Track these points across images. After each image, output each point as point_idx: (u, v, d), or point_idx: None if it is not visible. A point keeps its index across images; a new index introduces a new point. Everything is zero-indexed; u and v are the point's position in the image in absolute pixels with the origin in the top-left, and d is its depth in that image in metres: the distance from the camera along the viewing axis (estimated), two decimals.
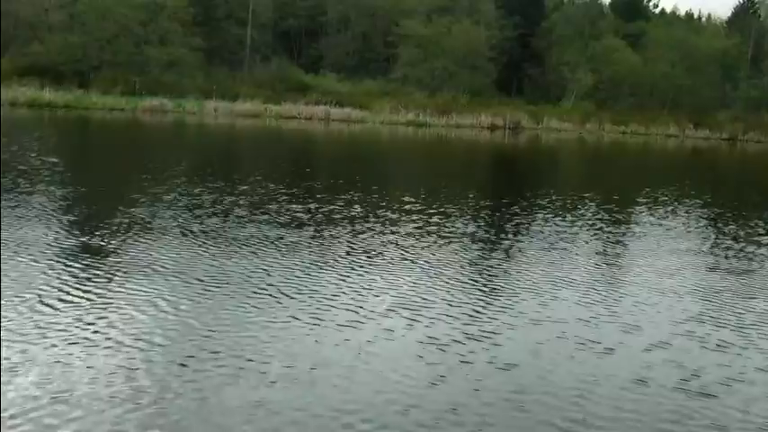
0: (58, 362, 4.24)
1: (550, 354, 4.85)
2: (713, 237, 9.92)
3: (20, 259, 6.43)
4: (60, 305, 5.27)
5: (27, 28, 43.75)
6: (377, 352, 4.71)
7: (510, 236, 9.09)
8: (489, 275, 6.90)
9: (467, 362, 4.63)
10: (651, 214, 11.80)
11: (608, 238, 9.35)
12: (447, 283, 6.51)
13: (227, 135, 29.53)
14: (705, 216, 12.24)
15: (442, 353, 4.75)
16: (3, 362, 4.15)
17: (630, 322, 5.56)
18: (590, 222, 10.39)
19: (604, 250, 8.50)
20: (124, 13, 43.15)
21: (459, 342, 4.97)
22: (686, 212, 12.29)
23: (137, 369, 4.22)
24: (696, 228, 10.82)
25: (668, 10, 69.92)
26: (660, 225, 10.61)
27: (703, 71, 53.54)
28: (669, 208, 12.64)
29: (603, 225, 10.29)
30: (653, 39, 55.14)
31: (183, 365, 4.30)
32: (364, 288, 6.21)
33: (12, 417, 3.55)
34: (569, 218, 10.68)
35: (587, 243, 8.86)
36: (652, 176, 21.62)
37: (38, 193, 10.18)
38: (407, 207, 10.89)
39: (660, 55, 53.38)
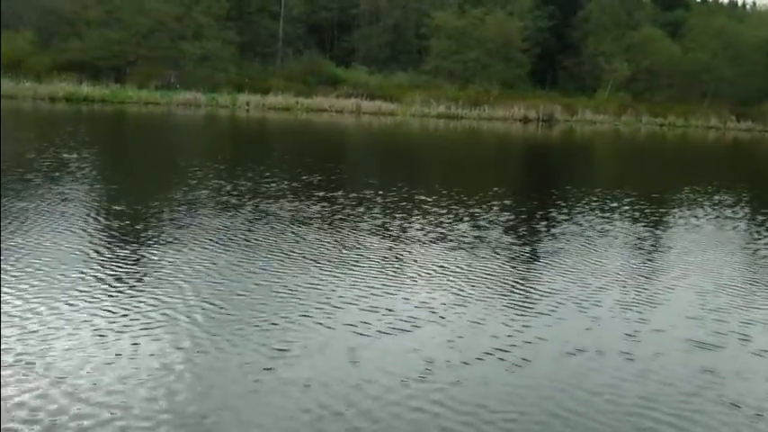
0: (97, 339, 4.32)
1: (583, 359, 4.64)
2: (755, 237, 9.37)
3: (47, 244, 6.59)
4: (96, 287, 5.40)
5: (66, 24, 44.69)
6: (401, 340, 4.76)
7: (539, 233, 8.84)
8: (519, 273, 6.76)
9: (492, 358, 4.58)
10: (689, 213, 11.21)
11: (641, 237, 8.85)
12: (475, 277, 6.44)
13: (257, 128, 29.77)
14: (746, 214, 11.53)
15: (465, 348, 4.69)
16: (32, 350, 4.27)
17: (668, 338, 5.14)
18: (623, 221, 9.94)
19: (638, 251, 8.05)
20: (159, 9, 43.80)
21: (485, 337, 4.92)
22: (727, 209, 11.67)
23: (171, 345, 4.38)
24: (737, 228, 10.17)
25: None
26: (698, 225, 10.00)
27: (747, 61, 51.97)
28: (708, 205, 12.03)
29: (637, 223, 9.82)
30: (693, 28, 53.78)
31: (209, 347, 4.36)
32: (395, 275, 6.30)
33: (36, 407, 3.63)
34: (601, 215, 10.29)
35: (619, 245, 8.33)
36: (690, 170, 21.07)
37: (60, 186, 10.37)
38: (434, 200, 10.85)
39: (701, 44, 52.00)
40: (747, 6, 70.17)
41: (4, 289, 5.35)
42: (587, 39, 53.29)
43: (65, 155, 14.09)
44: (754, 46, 52.69)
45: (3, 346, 4.30)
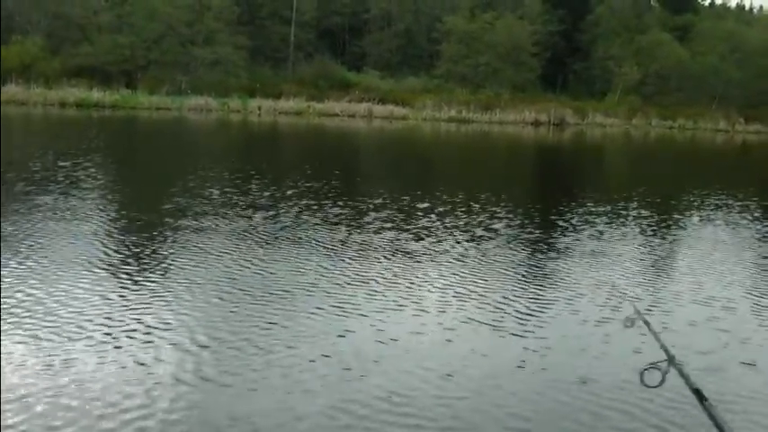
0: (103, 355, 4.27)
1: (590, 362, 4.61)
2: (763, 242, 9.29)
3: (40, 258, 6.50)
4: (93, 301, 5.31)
5: (77, 29, 44.60)
6: (407, 349, 4.67)
7: (548, 235, 8.81)
8: (526, 275, 6.73)
9: (500, 361, 4.51)
10: (699, 218, 11.12)
11: (652, 246, 8.61)
12: (482, 281, 6.38)
13: (268, 133, 29.73)
14: (753, 218, 11.37)
15: (471, 354, 4.65)
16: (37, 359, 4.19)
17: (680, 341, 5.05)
18: (633, 228, 9.72)
19: (648, 261, 7.84)
20: (171, 14, 43.73)
21: (492, 342, 4.89)
22: (736, 214, 11.54)
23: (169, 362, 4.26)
24: (747, 233, 10.11)
25: (718, 1, 68.35)
26: (707, 231, 9.85)
27: (753, 64, 52.01)
28: (717, 210, 11.86)
29: (648, 231, 9.60)
30: (701, 32, 53.84)
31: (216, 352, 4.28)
32: (403, 282, 6.20)
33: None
34: (613, 221, 10.15)
35: (628, 248, 8.26)
36: (699, 174, 21.03)
37: (67, 193, 10.29)
38: (445, 204, 10.80)
39: (709, 48, 52.09)
40: (754, 10, 70.36)
41: (11, 296, 5.24)
42: (597, 42, 53.34)
43: (71, 162, 13.71)
44: (760, 49, 52.71)
45: (7, 352, 4.23)
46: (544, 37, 51.07)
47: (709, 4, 65.24)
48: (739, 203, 12.76)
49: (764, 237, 9.63)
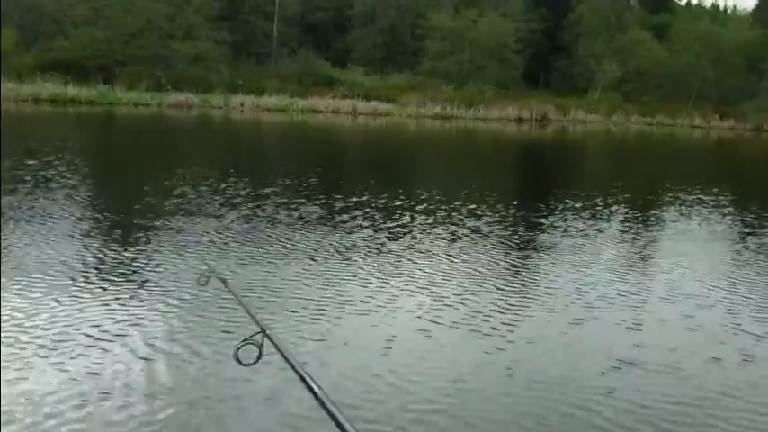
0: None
1: (576, 358, 4.64)
2: (740, 232, 9.50)
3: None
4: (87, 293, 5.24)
5: (51, 23, 43.74)
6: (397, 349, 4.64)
7: (532, 231, 8.87)
8: (509, 272, 6.75)
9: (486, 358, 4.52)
10: (675, 213, 11.26)
11: (625, 238, 8.82)
12: (465, 278, 6.39)
13: (250, 130, 29.53)
14: (731, 210, 11.66)
15: (458, 350, 4.66)
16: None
17: (657, 338, 5.14)
18: (616, 223, 9.87)
19: (631, 253, 8.01)
20: (149, 7, 43.03)
21: (479, 337, 4.90)
22: (711, 207, 11.81)
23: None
24: (724, 223, 10.36)
25: (694, 1, 69.10)
26: (682, 227, 10.00)
27: (728, 62, 52.61)
28: (694, 203, 12.07)
29: (630, 224, 9.80)
30: (677, 31, 54.41)
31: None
32: (385, 280, 6.19)
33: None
34: (589, 216, 10.28)
35: (611, 241, 8.47)
36: (676, 169, 21.24)
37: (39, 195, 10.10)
38: (429, 200, 10.83)
39: (685, 47, 52.64)
40: (728, 11, 71.24)
41: None
42: (578, 41, 53.70)
43: (40, 160, 13.34)
44: (733, 48, 53.38)
45: None
46: (527, 35, 51.27)
47: (686, 3, 66.04)
48: (712, 198, 12.96)
49: (736, 231, 9.76)
